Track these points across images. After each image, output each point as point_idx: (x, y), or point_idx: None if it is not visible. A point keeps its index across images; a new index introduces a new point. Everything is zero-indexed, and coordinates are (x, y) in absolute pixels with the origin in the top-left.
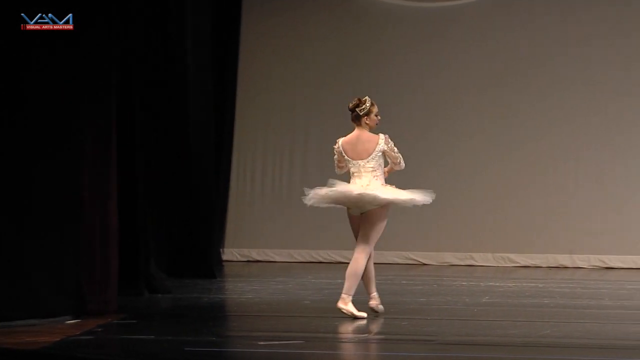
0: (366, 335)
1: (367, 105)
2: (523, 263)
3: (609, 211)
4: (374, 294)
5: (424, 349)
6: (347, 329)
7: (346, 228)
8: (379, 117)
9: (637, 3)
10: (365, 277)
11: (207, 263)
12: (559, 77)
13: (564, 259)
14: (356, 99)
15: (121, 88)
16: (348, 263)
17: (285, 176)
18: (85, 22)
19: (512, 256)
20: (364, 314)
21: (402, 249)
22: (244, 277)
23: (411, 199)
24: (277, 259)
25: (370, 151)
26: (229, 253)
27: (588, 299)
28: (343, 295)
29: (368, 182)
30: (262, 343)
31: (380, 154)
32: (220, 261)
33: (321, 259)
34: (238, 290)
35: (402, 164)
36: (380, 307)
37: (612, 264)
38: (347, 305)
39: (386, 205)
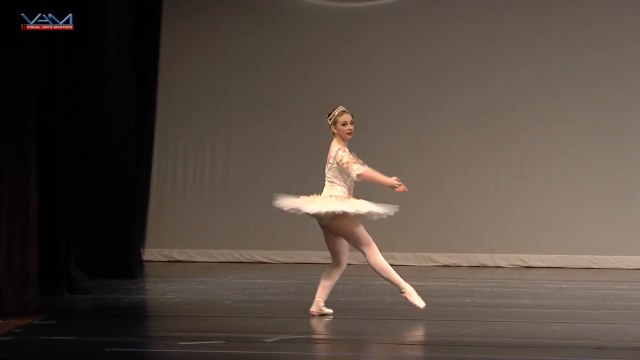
0: (287, 335)
1: (334, 114)
2: (444, 262)
3: (529, 210)
4: (321, 300)
5: (345, 349)
6: (268, 329)
7: (268, 228)
8: (348, 128)
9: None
10: (324, 282)
11: (128, 263)
12: (477, 76)
13: (485, 258)
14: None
15: (40, 90)
16: (269, 263)
17: (206, 175)
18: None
19: (433, 255)
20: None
21: (323, 248)
22: (165, 277)
23: (355, 210)
24: (199, 258)
25: (328, 161)
26: (150, 253)
27: (508, 297)
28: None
29: (323, 193)
30: (183, 343)
31: (336, 165)
32: (141, 261)
33: (242, 259)
34: (159, 291)
35: (353, 175)
36: (316, 310)
37: (531, 263)
38: (410, 298)
39: (340, 215)
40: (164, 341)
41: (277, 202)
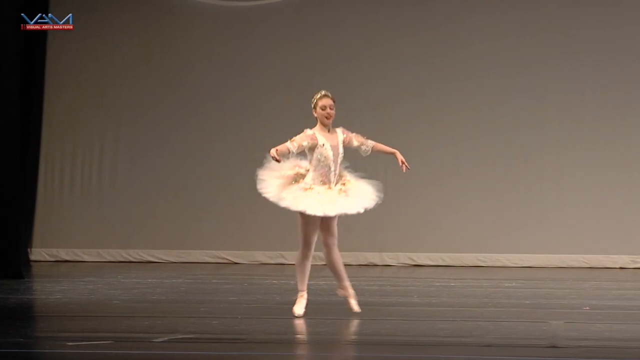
0: (175, 334)
1: (315, 97)
2: None
3: (416, 209)
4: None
5: (232, 348)
6: (157, 329)
7: (157, 227)
8: (327, 112)
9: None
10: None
11: (14, 263)
12: (366, 75)
13: (373, 257)
14: None
15: None
16: (158, 262)
17: (94, 174)
18: None
19: (322, 254)
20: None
21: (212, 247)
22: (52, 277)
23: (295, 207)
24: (87, 258)
25: None
26: (37, 253)
27: (397, 296)
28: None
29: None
30: (70, 344)
31: (311, 152)
32: (27, 261)
33: (131, 259)
34: (46, 291)
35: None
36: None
37: (420, 262)
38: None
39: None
40: (52, 342)
41: (265, 188)
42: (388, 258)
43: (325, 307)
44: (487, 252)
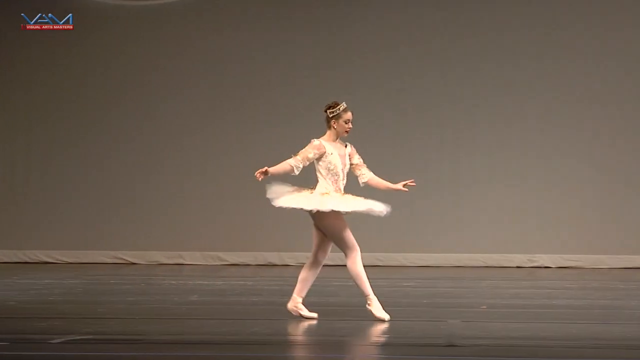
0: (73, 335)
1: (339, 109)
2: (232, 261)
3: None
4: (300, 298)
5: (131, 349)
6: (54, 330)
7: (54, 228)
8: (349, 126)
9: None
10: (306, 279)
11: None
12: (263, 76)
13: (273, 257)
14: (333, 102)
15: None
16: (55, 263)
17: None
18: None
19: (221, 254)
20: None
21: (110, 248)
22: None
23: (322, 207)
24: None
25: None
26: None
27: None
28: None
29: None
30: None
31: (318, 161)
32: None
33: (27, 259)
34: None
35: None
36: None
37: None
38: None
39: (321, 213)
40: None
41: (272, 194)
42: (287, 258)
43: (227, 307)
44: (385, 252)
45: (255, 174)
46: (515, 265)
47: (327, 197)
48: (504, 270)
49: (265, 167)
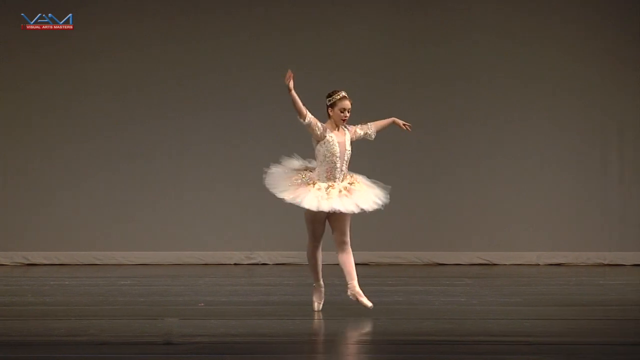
0: None
1: (335, 97)
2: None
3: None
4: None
5: (27, 351)
6: None
7: None
8: (345, 115)
9: None
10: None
11: None
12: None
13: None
14: (333, 89)
15: None
16: None
17: None
18: None
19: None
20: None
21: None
22: None
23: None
24: None
25: None
26: None
27: (11, 295)
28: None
29: None
30: None
31: (316, 144)
32: None
33: None
34: None
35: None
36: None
37: (34, 261)
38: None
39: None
40: None
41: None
42: (2, 257)
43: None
44: (102, 250)
45: (289, 74)
46: (233, 263)
47: (307, 188)
48: (222, 267)
49: (292, 83)
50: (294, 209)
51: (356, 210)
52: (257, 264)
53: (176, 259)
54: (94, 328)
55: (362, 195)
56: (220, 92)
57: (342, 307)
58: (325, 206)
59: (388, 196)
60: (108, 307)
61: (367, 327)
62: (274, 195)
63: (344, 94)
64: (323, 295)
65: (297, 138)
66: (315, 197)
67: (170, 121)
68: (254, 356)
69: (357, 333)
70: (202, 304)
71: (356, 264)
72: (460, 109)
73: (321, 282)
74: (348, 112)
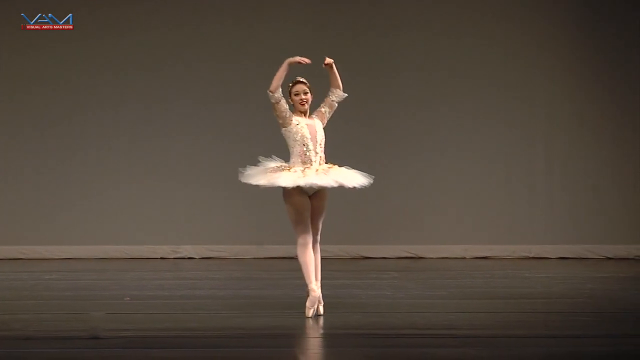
0: None
1: (289, 85)
2: None
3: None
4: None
5: None
6: None
7: None
8: (300, 98)
9: None
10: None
11: None
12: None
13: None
14: None
15: None
16: None
17: None
18: None
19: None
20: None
21: None
22: None
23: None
24: None
25: None
26: None
27: None
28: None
29: None
30: None
31: (284, 131)
32: None
33: None
34: None
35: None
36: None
37: None
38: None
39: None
40: None
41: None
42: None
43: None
44: (28, 245)
45: (303, 59)
46: (159, 257)
47: (283, 172)
48: (148, 261)
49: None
50: (220, 203)
51: (334, 185)
52: (184, 258)
53: (102, 253)
54: (19, 323)
55: (340, 174)
56: (140, 87)
57: (270, 302)
58: (302, 182)
59: (370, 182)
60: (33, 301)
61: (292, 321)
62: (249, 184)
63: (297, 78)
64: (317, 301)
65: (220, 130)
66: (292, 177)
67: (93, 116)
68: (181, 350)
69: (280, 327)
70: (129, 298)
71: (280, 258)
72: (387, 102)
73: (314, 286)
74: (304, 94)
